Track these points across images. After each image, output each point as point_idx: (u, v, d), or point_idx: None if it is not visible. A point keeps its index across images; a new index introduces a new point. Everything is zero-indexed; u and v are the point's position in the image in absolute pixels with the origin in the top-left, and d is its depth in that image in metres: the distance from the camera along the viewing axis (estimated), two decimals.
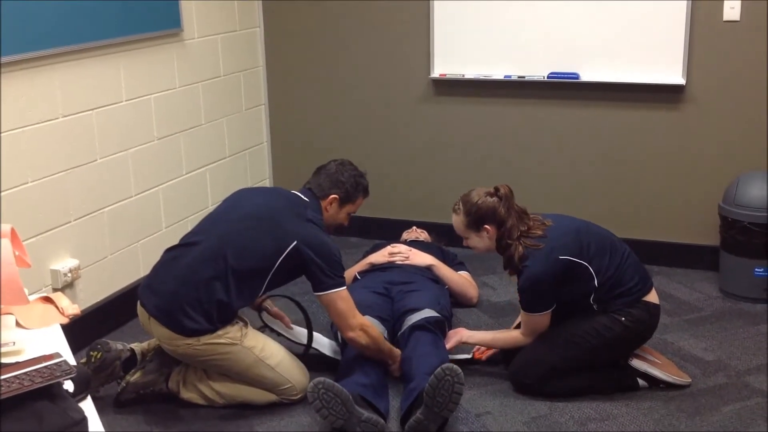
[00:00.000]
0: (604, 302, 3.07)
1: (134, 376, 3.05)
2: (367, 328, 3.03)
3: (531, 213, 3.15)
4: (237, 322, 3.05)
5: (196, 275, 2.93)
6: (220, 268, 2.93)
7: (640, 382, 3.15)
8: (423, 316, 3.22)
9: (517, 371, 3.16)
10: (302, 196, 3.18)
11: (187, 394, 3.07)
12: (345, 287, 3.01)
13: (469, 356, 3.32)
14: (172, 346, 2.98)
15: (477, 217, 3.09)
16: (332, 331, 3.43)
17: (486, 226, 3.09)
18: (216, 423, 3.00)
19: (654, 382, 3.14)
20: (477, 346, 3.32)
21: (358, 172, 3.28)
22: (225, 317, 2.98)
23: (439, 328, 3.23)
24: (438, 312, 3.29)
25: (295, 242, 2.96)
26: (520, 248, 3.02)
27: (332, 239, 3.10)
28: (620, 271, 3.06)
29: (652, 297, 3.13)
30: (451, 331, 3.32)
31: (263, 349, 3.04)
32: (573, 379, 3.10)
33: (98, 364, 3.00)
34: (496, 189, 3.11)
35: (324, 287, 2.98)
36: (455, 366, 2.76)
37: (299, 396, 3.08)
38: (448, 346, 3.21)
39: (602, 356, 3.12)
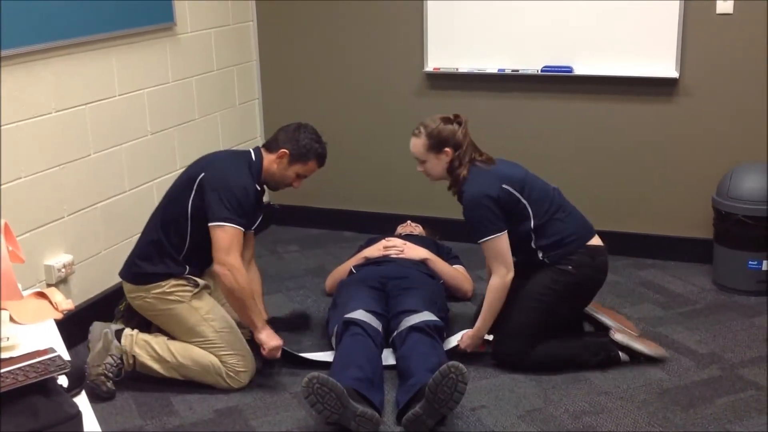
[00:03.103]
0: (548, 252, 3.23)
1: (89, 356, 3.11)
2: (236, 271, 3.04)
3: None
4: (189, 282, 3.16)
5: (143, 235, 3.27)
6: (156, 221, 3.22)
7: (622, 355, 3.27)
8: (423, 319, 3.20)
9: (498, 348, 3.28)
10: (251, 151, 3.29)
11: (137, 350, 3.13)
12: (233, 224, 3.04)
13: (456, 343, 3.30)
14: (131, 300, 3.23)
15: (439, 140, 3.26)
16: (327, 331, 3.43)
17: (446, 148, 3.26)
18: (211, 418, 3.00)
19: (634, 356, 3.27)
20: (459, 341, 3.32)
21: (317, 138, 3.31)
22: (162, 257, 3.15)
23: (437, 333, 3.21)
24: (436, 315, 3.28)
25: (202, 174, 3.12)
26: (468, 169, 3.25)
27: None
28: (557, 219, 3.25)
29: (594, 241, 3.29)
30: (462, 337, 3.29)
31: (209, 312, 3.17)
32: (554, 346, 3.25)
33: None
34: (456, 116, 3.32)
35: (212, 218, 3.05)
36: (461, 365, 2.75)
37: (246, 373, 3.15)
38: (470, 348, 3.27)
39: (563, 309, 3.26)
